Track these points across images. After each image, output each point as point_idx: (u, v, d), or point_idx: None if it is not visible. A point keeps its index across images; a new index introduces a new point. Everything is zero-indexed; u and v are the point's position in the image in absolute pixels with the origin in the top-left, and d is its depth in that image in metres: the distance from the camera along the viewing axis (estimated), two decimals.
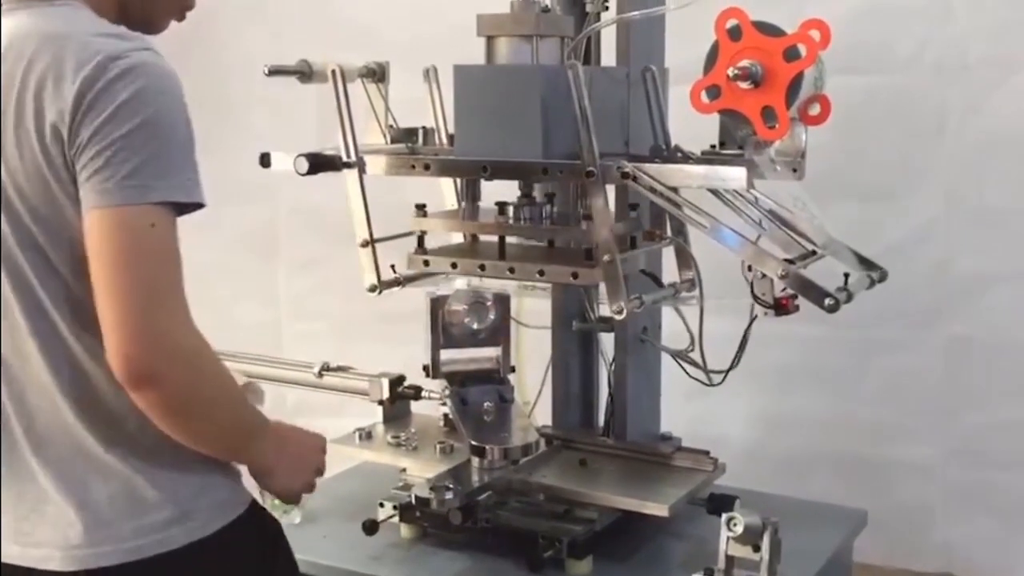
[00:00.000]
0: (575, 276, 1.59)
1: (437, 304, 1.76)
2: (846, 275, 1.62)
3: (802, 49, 1.46)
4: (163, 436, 1.19)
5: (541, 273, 1.62)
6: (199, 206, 1.16)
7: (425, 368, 1.77)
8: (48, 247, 1.16)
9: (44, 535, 1.22)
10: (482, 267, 1.66)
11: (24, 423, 1.23)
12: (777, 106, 1.48)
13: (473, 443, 1.64)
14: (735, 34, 1.48)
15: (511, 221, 1.66)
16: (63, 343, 1.19)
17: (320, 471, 1.40)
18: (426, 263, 1.70)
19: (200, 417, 1.18)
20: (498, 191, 1.71)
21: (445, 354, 1.76)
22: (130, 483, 1.21)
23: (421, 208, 1.72)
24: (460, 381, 1.74)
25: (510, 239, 1.70)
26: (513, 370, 1.80)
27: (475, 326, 1.75)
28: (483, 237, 1.76)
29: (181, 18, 1.35)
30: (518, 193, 1.69)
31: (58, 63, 1.14)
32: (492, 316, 1.76)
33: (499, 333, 1.76)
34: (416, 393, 1.84)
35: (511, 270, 1.64)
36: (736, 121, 1.53)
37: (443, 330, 1.75)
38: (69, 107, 1.11)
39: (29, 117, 1.14)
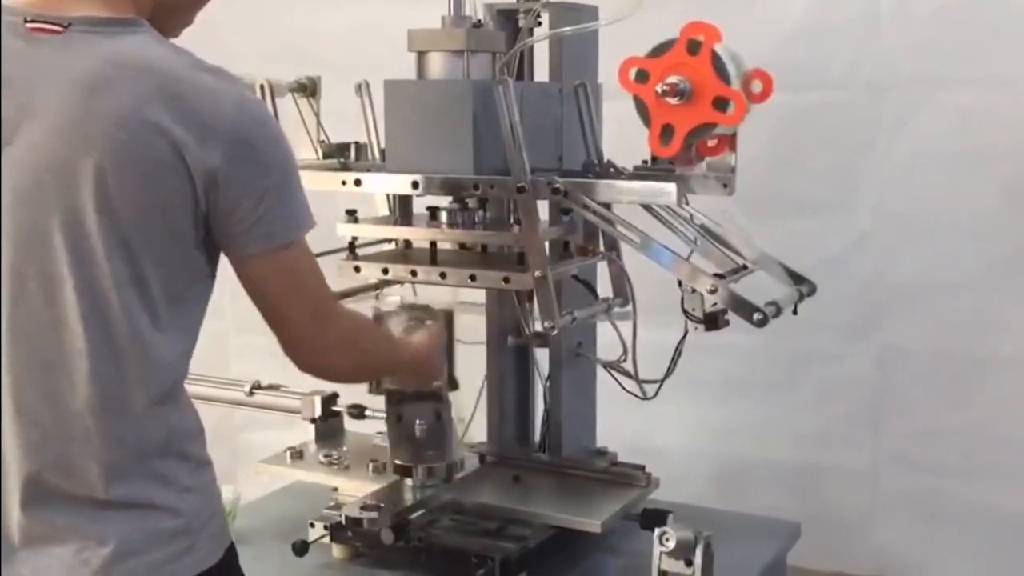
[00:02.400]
0: (507, 280, 1.60)
1: (380, 320, 1.74)
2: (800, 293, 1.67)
3: (731, 106, 1.47)
4: (184, 470, 1.22)
5: (473, 278, 1.62)
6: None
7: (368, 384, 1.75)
8: (148, 280, 1.17)
9: (55, 571, 1.18)
10: (414, 272, 1.66)
11: (45, 457, 1.18)
12: (678, 129, 1.49)
13: (396, 462, 1.62)
14: (693, 48, 1.49)
15: (443, 226, 1.65)
16: (121, 380, 1.17)
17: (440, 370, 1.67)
18: (357, 269, 1.69)
19: (363, 376, 1.54)
20: (431, 198, 1.70)
21: None
22: (149, 518, 1.19)
23: (352, 214, 1.71)
24: (400, 399, 1.73)
25: (443, 246, 1.70)
26: (456, 387, 1.79)
27: None
28: (416, 244, 1.76)
29: (176, 36, 1.33)
30: (450, 198, 1.68)
31: (181, 101, 1.14)
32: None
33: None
34: (360, 412, 1.82)
35: (443, 275, 1.64)
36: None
37: None
38: (216, 157, 1.15)
39: (154, 151, 1.13)
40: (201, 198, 1.16)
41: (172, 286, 1.19)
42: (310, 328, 1.26)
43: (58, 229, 1.13)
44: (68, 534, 1.18)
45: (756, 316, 1.50)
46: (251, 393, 1.85)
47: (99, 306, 1.15)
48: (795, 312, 1.66)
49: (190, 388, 1.83)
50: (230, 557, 1.29)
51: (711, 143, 1.57)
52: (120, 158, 1.12)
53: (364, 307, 1.78)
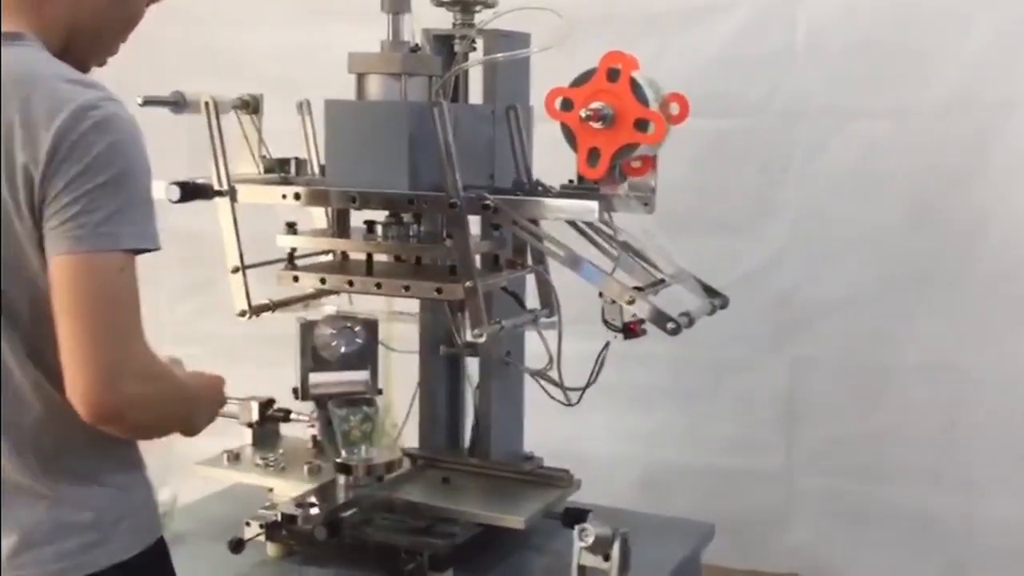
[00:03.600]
0: (439, 291, 1.67)
1: (307, 328, 1.82)
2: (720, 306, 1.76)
3: (651, 126, 1.58)
4: (92, 468, 1.26)
5: (407, 288, 1.69)
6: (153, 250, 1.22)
7: (295, 391, 1.82)
8: (7, 284, 1.20)
9: None
10: (350, 283, 1.73)
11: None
12: (604, 152, 1.60)
13: (337, 460, 1.69)
14: (613, 76, 1.59)
15: (379, 239, 1.73)
16: (9, 374, 1.23)
17: (223, 405, 1.53)
18: (295, 279, 1.76)
19: (158, 432, 1.30)
20: (368, 212, 1.77)
21: (315, 377, 1.82)
22: (56, 509, 1.25)
23: (291, 226, 1.78)
24: (328, 403, 1.80)
25: (379, 258, 1.77)
26: (380, 392, 1.86)
27: (343, 350, 1.81)
28: (352, 256, 1.83)
29: (103, 63, 1.38)
30: (386, 213, 1.76)
31: (27, 107, 1.17)
32: (360, 340, 1.82)
33: (367, 357, 1.82)
34: (285, 415, 1.88)
35: (378, 285, 1.71)
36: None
37: (313, 354, 1.81)
38: (44, 155, 1.15)
39: (7, 156, 1.17)
40: (36, 195, 1.17)
41: (44, 290, 1.19)
42: (114, 356, 1.16)
43: None
44: None
45: (670, 326, 1.60)
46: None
47: (9, 301, 1.20)
48: (712, 314, 1.77)
49: None
50: (155, 552, 1.33)
51: (635, 164, 1.68)
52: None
53: (292, 317, 1.84)
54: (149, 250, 1.22)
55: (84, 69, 1.32)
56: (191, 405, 1.38)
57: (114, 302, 1.17)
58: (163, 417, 1.28)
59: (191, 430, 1.42)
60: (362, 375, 1.82)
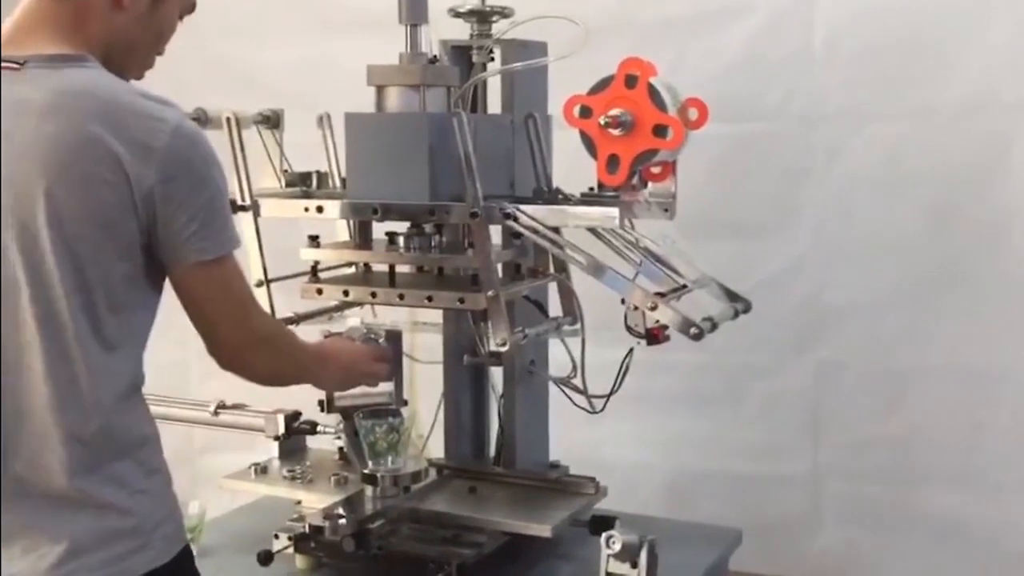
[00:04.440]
0: (462, 301, 1.68)
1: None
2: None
3: (670, 132, 1.58)
4: (130, 475, 1.30)
5: (430, 299, 1.71)
6: None
7: (320, 403, 1.83)
8: (94, 287, 1.26)
9: (17, 567, 1.26)
10: (373, 294, 1.74)
11: (20, 454, 1.27)
12: (623, 158, 1.60)
13: (364, 472, 1.70)
14: (631, 82, 1.59)
15: (401, 250, 1.74)
16: (74, 380, 1.26)
17: (372, 375, 1.73)
18: (319, 291, 1.77)
19: (284, 377, 1.50)
20: (390, 224, 1.78)
21: None
22: (103, 516, 1.28)
23: (314, 239, 1.79)
24: (354, 415, 1.81)
25: (401, 269, 1.78)
26: (406, 403, 1.87)
27: None
28: (375, 267, 1.84)
29: (141, 77, 1.42)
30: (408, 224, 1.76)
31: (125, 126, 1.24)
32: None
33: (392, 368, 1.83)
34: (312, 428, 1.89)
35: (401, 296, 1.72)
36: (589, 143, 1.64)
37: None
38: (154, 172, 1.24)
39: (96, 165, 1.22)
40: (141, 212, 1.25)
41: (116, 294, 1.28)
42: (233, 331, 1.37)
43: (14, 242, 1.24)
44: (30, 531, 1.26)
45: (693, 331, 1.60)
46: (216, 413, 1.91)
47: (51, 312, 1.25)
48: (735, 318, 1.77)
49: (157, 409, 1.90)
50: (184, 557, 1.37)
51: (655, 170, 1.68)
52: (65, 177, 1.23)
53: (316, 330, 1.85)
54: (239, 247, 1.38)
55: None
56: (315, 360, 1.58)
57: (239, 290, 1.37)
58: (289, 365, 1.48)
59: (322, 383, 1.68)
60: (387, 386, 1.83)
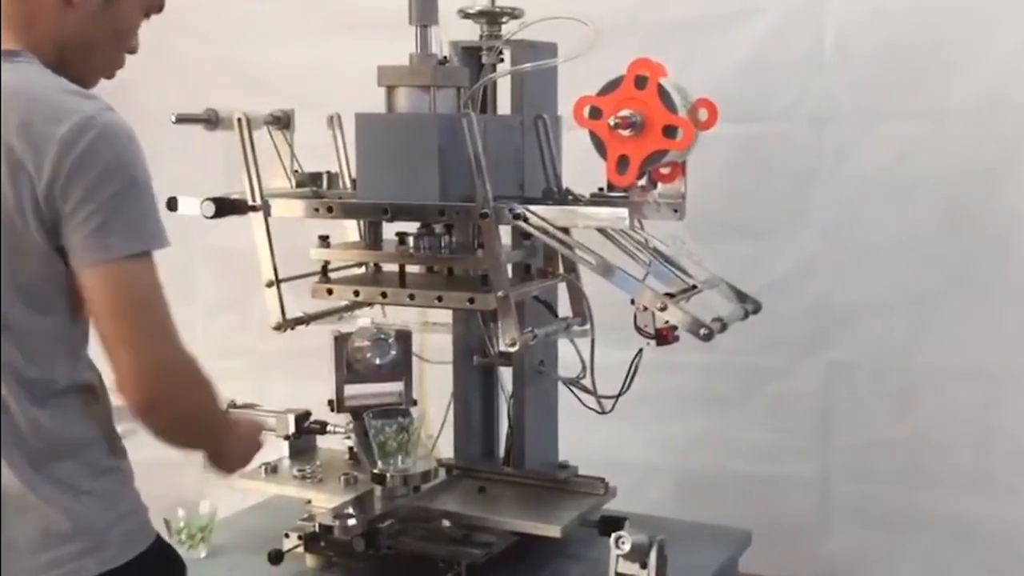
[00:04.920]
0: (472, 301, 1.68)
1: (341, 341, 1.84)
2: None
3: (680, 133, 1.58)
4: (75, 477, 1.27)
5: (440, 299, 1.70)
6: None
7: (330, 403, 1.84)
8: (9, 287, 1.23)
9: None
10: (384, 294, 1.74)
11: None
12: (633, 159, 1.60)
13: (374, 472, 1.70)
14: (640, 83, 1.59)
15: (411, 251, 1.74)
16: (5, 383, 1.25)
17: (259, 448, 1.54)
18: (329, 292, 1.77)
19: (196, 430, 1.35)
20: (400, 225, 1.78)
21: (349, 389, 1.84)
22: (46, 518, 1.26)
23: (324, 240, 1.80)
24: (364, 415, 1.81)
25: (411, 269, 1.79)
26: (415, 403, 1.87)
27: (378, 362, 1.83)
28: (385, 268, 1.84)
29: (111, 76, 1.40)
30: (418, 224, 1.76)
31: (31, 120, 1.20)
32: (394, 352, 1.84)
33: (401, 368, 1.84)
34: (322, 428, 1.90)
35: (411, 296, 1.72)
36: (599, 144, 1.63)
37: (347, 366, 1.83)
38: (50, 166, 1.19)
39: (8, 171, 1.20)
40: (44, 210, 1.21)
41: (33, 295, 1.24)
42: (149, 354, 1.23)
43: None
44: None
45: (703, 331, 1.60)
46: (226, 412, 1.91)
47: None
48: (745, 319, 1.77)
49: None
50: (151, 555, 1.33)
51: (664, 170, 1.68)
52: None
53: (326, 330, 1.86)
54: (159, 249, 1.27)
55: (86, 84, 1.34)
56: (225, 424, 1.43)
57: (148, 302, 1.24)
58: (199, 415, 1.32)
59: (221, 454, 1.44)
60: (396, 386, 1.83)
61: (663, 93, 1.59)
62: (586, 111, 1.63)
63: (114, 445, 1.35)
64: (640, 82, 1.60)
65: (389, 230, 1.83)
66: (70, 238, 1.21)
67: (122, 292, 1.23)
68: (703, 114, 1.61)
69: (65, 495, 1.27)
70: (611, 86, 1.62)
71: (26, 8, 1.29)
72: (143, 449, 1.38)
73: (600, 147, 1.64)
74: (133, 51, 1.40)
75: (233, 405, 1.93)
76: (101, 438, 1.33)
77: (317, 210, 1.77)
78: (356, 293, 1.76)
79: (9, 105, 1.22)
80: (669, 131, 1.59)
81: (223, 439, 1.42)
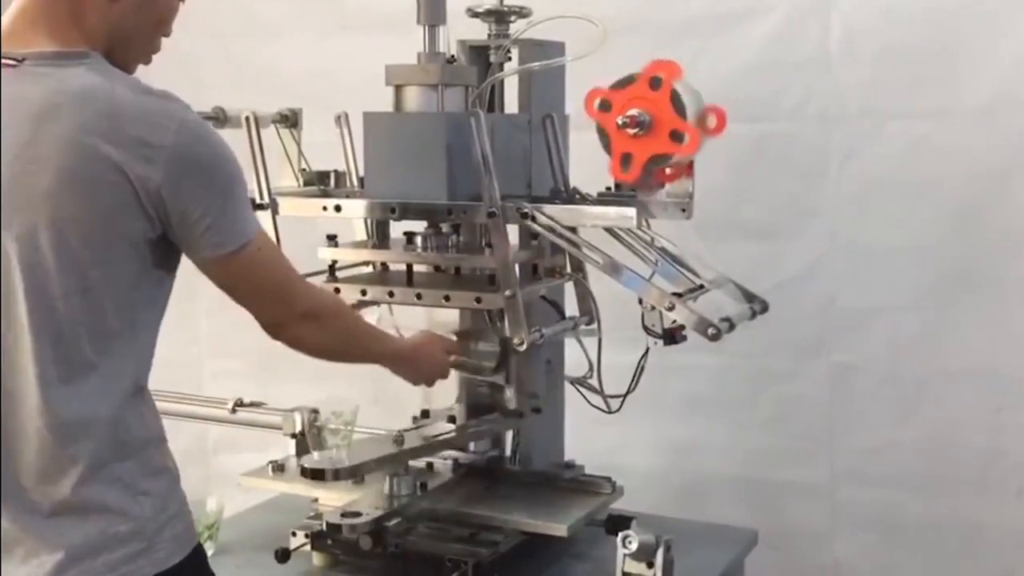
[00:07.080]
0: (479, 300, 1.68)
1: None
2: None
3: (686, 138, 1.58)
4: (132, 478, 1.29)
5: (447, 298, 1.71)
6: None
7: None
8: (95, 288, 1.25)
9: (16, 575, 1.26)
10: (391, 293, 1.75)
11: (17, 460, 1.26)
12: (636, 157, 1.60)
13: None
14: (655, 84, 1.59)
15: (419, 250, 1.74)
16: (69, 382, 1.25)
17: (444, 374, 1.78)
18: (337, 290, 1.78)
19: (341, 351, 1.56)
20: (407, 224, 1.79)
21: None
22: (103, 520, 1.27)
23: (332, 239, 1.80)
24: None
25: (419, 268, 1.79)
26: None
27: None
28: (393, 266, 1.85)
29: (149, 62, 1.42)
30: (425, 223, 1.77)
31: (121, 127, 1.23)
32: None
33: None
34: None
35: (419, 296, 1.73)
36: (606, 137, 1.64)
37: None
38: (159, 174, 1.24)
39: (96, 172, 1.22)
40: (150, 211, 1.25)
41: (119, 294, 1.27)
42: (269, 312, 1.40)
43: (14, 242, 1.23)
44: (29, 539, 1.25)
45: (711, 331, 1.60)
46: (234, 410, 1.92)
47: (46, 313, 1.24)
48: (752, 318, 1.76)
49: (175, 407, 1.92)
50: (195, 559, 1.35)
51: (669, 171, 1.68)
52: (65, 179, 1.22)
53: None
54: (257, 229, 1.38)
55: (128, 71, 1.35)
56: (367, 343, 1.60)
57: (265, 278, 1.38)
58: (338, 341, 1.52)
59: (390, 362, 1.66)
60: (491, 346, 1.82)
61: (675, 97, 1.59)
62: (596, 103, 1.62)
63: (165, 446, 1.36)
64: (655, 83, 1.59)
65: (396, 229, 1.84)
66: (184, 235, 1.28)
67: (243, 276, 1.35)
68: (712, 121, 1.61)
69: (124, 495, 1.28)
70: (625, 82, 1.61)
71: (71, 6, 1.30)
72: None
73: (605, 141, 1.63)
74: (168, 35, 1.42)
75: (240, 403, 1.94)
76: (160, 437, 1.35)
77: (324, 208, 1.77)
78: (363, 292, 1.76)
79: (98, 114, 1.23)
80: (676, 136, 1.59)
81: (379, 359, 1.62)
